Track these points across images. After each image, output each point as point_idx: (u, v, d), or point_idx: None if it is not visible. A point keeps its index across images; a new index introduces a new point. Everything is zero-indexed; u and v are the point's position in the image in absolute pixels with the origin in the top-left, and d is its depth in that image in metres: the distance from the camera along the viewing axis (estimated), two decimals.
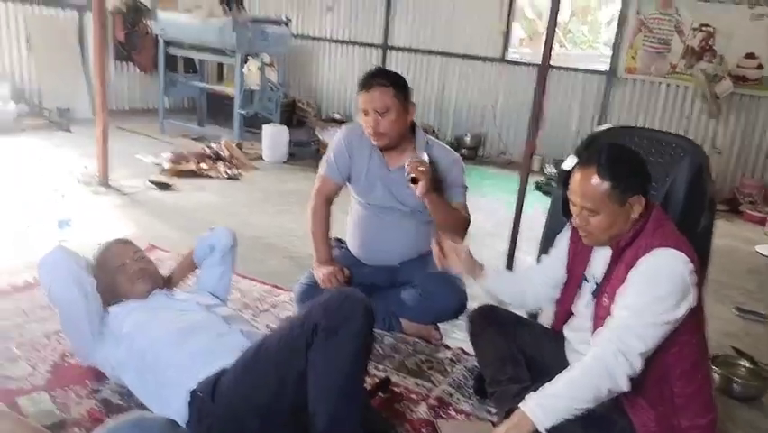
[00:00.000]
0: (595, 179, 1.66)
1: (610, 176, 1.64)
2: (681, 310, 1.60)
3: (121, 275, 2.05)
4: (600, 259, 1.83)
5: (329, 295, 1.65)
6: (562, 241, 1.98)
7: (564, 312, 1.96)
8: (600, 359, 1.58)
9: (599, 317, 1.75)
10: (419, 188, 2.21)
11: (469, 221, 2.49)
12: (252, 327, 2.11)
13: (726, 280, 3.74)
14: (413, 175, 2.20)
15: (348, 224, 2.66)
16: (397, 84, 2.33)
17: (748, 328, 3.17)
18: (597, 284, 1.83)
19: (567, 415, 1.56)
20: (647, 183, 1.71)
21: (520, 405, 1.59)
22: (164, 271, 2.31)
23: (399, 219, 2.49)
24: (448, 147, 2.55)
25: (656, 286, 1.60)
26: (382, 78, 2.33)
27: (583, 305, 1.88)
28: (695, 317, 1.66)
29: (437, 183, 2.33)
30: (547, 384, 1.61)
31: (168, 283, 2.22)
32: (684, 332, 1.65)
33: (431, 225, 2.43)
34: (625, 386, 1.57)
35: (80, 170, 4.48)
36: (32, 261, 2.83)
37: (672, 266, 1.61)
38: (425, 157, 2.33)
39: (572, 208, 1.76)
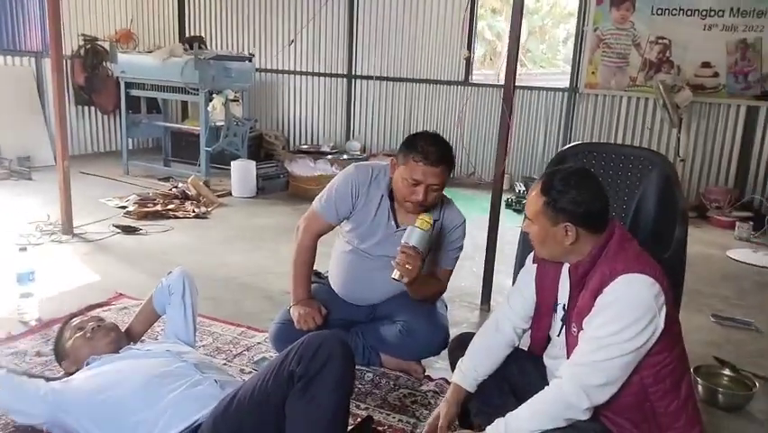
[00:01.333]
0: (537, 192, 1.72)
1: (548, 193, 1.69)
2: (647, 336, 1.59)
3: (79, 339, 2.02)
4: (566, 284, 1.80)
5: (304, 340, 1.56)
6: (527, 273, 1.93)
7: (539, 339, 1.93)
8: (562, 392, 1.62)
9: (571, 346, 1.73)
10: (402, 282, 2.15)
11: (445, 289, 2.49)
12: (226, 373, 2.03)
13: (701, 288, 3.77)
14: (395, 276, 2.12)
15: (332, 261, 2.57)
16: (452, 162, 2.28)
17: (728, 335, 3.18)
18: (564, 311, 1.81)
19: None
20: (591, 216, 1.69)
21: (488, 427, 1.65)
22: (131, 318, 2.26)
23: (384, 268, 2.37)
24: (459, 210, 2.46)
25: (620, 316, 1.59)
26: (447, 157, 2.22)
27: (555, 333, 1.85)
28: (669, 336, 1.64)
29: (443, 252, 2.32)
30: (516, 410, 1.66)
31: (131, 337, 2.17)
32: (658, 352, 1.63)
33: None
34: (585, 416, 1.61)
35: (42, 219, 4.36)
36: None
37: (637, 293, 1.60)
38: (424, 241, 2.17)
39: None
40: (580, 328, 1.69)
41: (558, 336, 1.83)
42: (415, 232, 2.15)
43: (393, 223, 2.38)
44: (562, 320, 1.81)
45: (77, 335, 2.04)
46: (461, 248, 2.46)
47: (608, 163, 3.01)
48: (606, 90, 6.38)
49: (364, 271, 2.43)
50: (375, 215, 2.38)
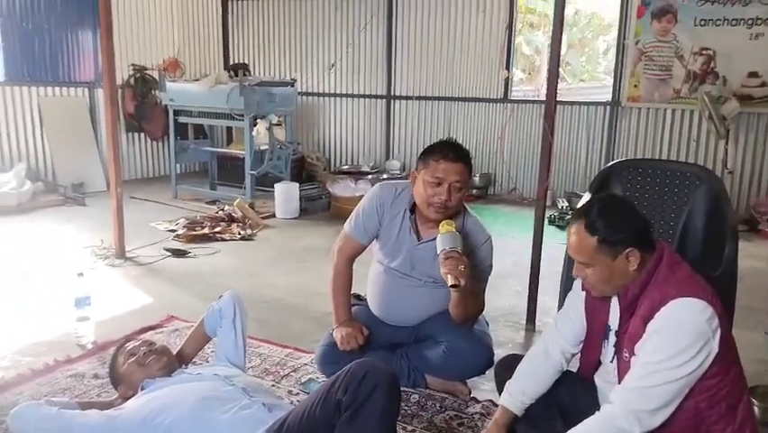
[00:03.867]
0: (584, 234, 1.67)
1: (598, 230, 1.65)
2: (699, 361, 1.57)
3: (132, 364, 2.09)
4: (617, 309, 1.79)
5: (350, 369, 1.59)
6: (575, 297, 1.92)
7: (590, 364, 1.91)
8: (613, 418, 1.60)
9: (622, 372, 1.72)
10: (458, 290, 2.13)
11: (482, 309, 2.48)
12: (274, 396, 2.08)
13: (754, 304, 3.64)
14: (453, 283, 2.08)
15: (369, 280, 2.61)
16: (470, 163, 2.33)
17: None
18: (616, 337, 1.79)
19: None
20: (642, 234, 1.69)
21: None
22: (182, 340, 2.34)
23: (416, 286, 2.44)
24: (483, 226, 2.45)
25: (673, 343, 1.57)
26: (464, 154, 2.29)
27: (608, 359, 1.83)
28: (724, 359, 1.61)
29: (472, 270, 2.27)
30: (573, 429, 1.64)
31: (182, 360, 2.23)
32: (713, 376, 1.60)
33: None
34: None
35: (96, 243, 4.53)
36: (52, 341, 2.88)
37: (689, 318, 1.58)
38: (458, 241, 2.18)
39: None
40: (632, 354, 1.67)
41: (611, 361, 1.81)
42: (445, 237, 2.16)
43: (415, 236, 2.40)
44: (614, 346, 1.79)
45: (131, 360, 2.10)
46: (491, 266, 2.44)
47: (653, 180, 2.97)
48: (649, 103, 6.28)
49: (398, 289, 2.46)
50: (399, 230, 2.42)
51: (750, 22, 5.72)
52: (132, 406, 1.93)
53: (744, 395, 1.70)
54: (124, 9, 7.20)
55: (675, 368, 1.56)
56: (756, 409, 2.36)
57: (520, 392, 1.91)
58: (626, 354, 1.70)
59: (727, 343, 1.64)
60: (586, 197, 3.04)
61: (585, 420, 1.66)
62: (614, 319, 1.80)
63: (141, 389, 2.01)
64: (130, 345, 2.19)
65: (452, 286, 2.09)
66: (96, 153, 6.95)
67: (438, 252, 2.15)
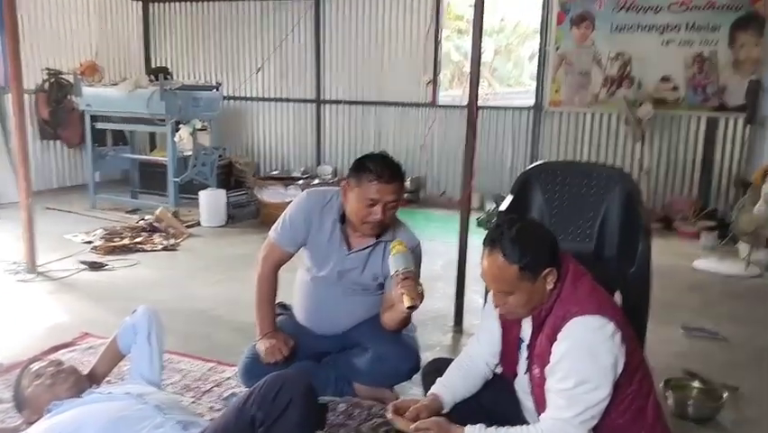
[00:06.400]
0: (502, 264, 1.66)
1: (517, 258, 1.65)
2: (611, 378, 1.62)
3: (39, 387, 1.96)
4: (529, 323, 1.81)
5: (265, 382, 1.54)
6: (490, 311, 1.92)
7: (510, 373, 1.94)
8: None
9: (535, 385, 1.76)
10: (412, 309, 2.05)
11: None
12: (190, 413, 1.99)
13: (670, 299, 3.81)
14: (410, 304, 1.99)
15: (295, 290, 2.55)
16: (403, 177, 2.30)
17: (697, 346, 3.22)
18: (528, 350, 1.81)
19: None
20: (555, 252, 1.71)
21: (468, 426, 1.70)
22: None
23: (344, 294, 2.40)
24: (412, 233, 2.41)
25: (581, 369, 1.61)
26: (398, 171, 2.25)
27: (522, 371, 1.86)
28: (629, 369, 1.66)
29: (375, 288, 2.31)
30: (500, 428, 1.69)
31: (94, 379, 2.11)
32: (621, 385, 1.65)
33: (379, 296, 2.40)
34: None
35: (6, 258, 4.26)
36: None
37: (592, 339, 1.62)
38: (411, 260, 2.10)
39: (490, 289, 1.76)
40: (542, 372, 1.70)
41: (525, 373, 1.84)
42: (397, 257, 2.09)
43: (345, 247, 2.36)
44: (527, 359, 1.82)
45: (36, 382, 1.97)
46: (419, 270, 2.39)
47: (571, 182, 3.05)
48: (570, 107, 6.49)
49: (326, 298, 2.41)
50: (328, 240, 2.37)
51: (661, 28, 6.01)
52: (36, 431, 1.80)
53: (650, 397, 1.76)
54: (35, 9, 6.84)
55: (591, 391, 1.60)
56: (670, 401, 2.46)
57: (450, 387, 1.92)
58: (537, 371, 1.74)
59: (633, 353, 1.69)
60: (508, 199, 3.09)
61: (522, 430, 1.68)
62: (526, 333, 1.82)
63: (48, 412, 1.88)
64: (35, 366, 2.05)
65: (409, 307, 2.02)
66: (7, 162, 6.54)
67: (392, 273, 2.09)
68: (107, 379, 2.23)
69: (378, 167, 2.22)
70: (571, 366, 1.61)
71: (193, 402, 2.40)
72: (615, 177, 3.03)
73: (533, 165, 3.33)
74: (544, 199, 3.03)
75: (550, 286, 1.69)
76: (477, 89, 3.19)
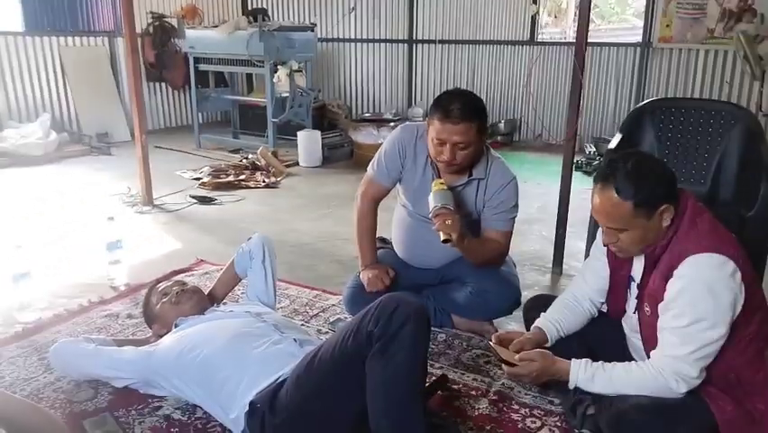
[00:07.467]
0: (616, 201, 1.60)
1: (632, 194, 1.58)
2: (729, 317, 1.57)
3: (166, 304, 2.13)
4: (641, 261, 1.76)
5: (381, 301, 1.60)
6: (599, 248, 1.89)
7: (616, 312, 1.92)
8: (662, 378, 1.63)
9: (644, 324, 1.73)
10: (452, 244, 2.11)
11: (506, 252, 2.42)
12: (304, 333, 2.12)
13: None
14: (444, 238, 2.08)
15: (393, 224, 2.60)
16: (481, 117, 2.17)
17: None
18: (638, 289, 1.78)
19: (601, 391, 1.71)
20: (672, 187, 1.63)
21: (574, 361, 1.74)
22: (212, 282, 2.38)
23: None
24: (507, 167, 2.36)
25: (698, 306, 1.56)
26: (470, 112, 2.12)
27: (631, 309, 1.83)
28: (748, 309, 1.59)
29: (470, 225, 2.26)
30: (606, 363, 1.72)
31: (214, 300, 2.28)
32: (739, 326, 1.60)
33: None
34: (683, 394, 1.63)
35: (124, 191, 4.58)
36: (86, 284, 2.95)
37: (710, 276, 1.56)
38: (449, 197, 2.16)
39: (601, 226, 1.71)
40: (653, 311, 1.67)
41: (633, 312, 1.81)
42: (435, 195, 2.16)
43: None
44: (636, 298, 1.79)
45: (164, 300, 2.15)
46: (515, 207, 2.36)
47: (687, 119, 2.89)
48: (681, 44, 6.06)
49: (422, 233, 2.40)
50: (422, 175, 2.37)
51: None
52: (167, 342, 1.98)
53: None
54: None
55: (708, 330, 1.56)
56: None
57: (556, 321, 1.94)
58: (648, 309, 1.70)
59: (753, 293, 1.62)
60: (616, 138, 2.97)
61: (631, 367, 1.69)
62: (637, 271, 1.78)
63: (175, 326, 2.06)
64: (162, 286, 2.24)
65: (444, 241, 2.09)
66: (118, 104, 6.97)
67: (430, 209, 2.15)
68: (224, 301, 2.39)
69: (448, 103, 2.12)
70: (687, 304, 1.57)
71: (302, 325, 2.54)
72: (736, 114, 2.84)
73: (647, 101, 3.16)
74: (655, 138, 2.90)
75: (666, 223, 1.63)
76: (587, 20, 3.02)
